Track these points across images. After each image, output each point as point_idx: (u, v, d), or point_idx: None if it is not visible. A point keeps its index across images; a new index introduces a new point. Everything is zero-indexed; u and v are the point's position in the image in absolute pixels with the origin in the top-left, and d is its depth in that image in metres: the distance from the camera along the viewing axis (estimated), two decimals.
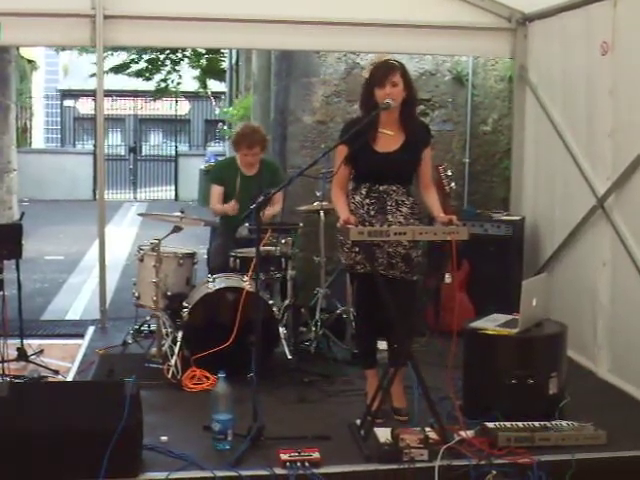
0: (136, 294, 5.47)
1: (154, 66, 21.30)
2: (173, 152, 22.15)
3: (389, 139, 4.33)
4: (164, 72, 21.56)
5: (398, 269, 4.32)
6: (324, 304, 5.86)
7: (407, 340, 4.15)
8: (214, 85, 24.69)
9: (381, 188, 4.33)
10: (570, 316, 5.19)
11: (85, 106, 29.27)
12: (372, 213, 4.33)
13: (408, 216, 4.34)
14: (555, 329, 4.51)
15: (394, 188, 4.34)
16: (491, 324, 4.47)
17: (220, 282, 5.16)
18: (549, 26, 6.16)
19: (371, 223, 4.27)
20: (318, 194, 5.92)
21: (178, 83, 21.56)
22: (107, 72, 21.10)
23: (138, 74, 21.75)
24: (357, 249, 4.27)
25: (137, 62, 21.34)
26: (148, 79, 21.88)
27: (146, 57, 21.10)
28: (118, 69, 21.51)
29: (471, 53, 7.06)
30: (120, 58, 21.22)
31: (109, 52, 20.02)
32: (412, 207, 4.38)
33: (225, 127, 19.70)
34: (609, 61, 5.15)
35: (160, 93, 22.28)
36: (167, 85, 21.54)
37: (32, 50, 22.05)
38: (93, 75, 20.84)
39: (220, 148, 24.47)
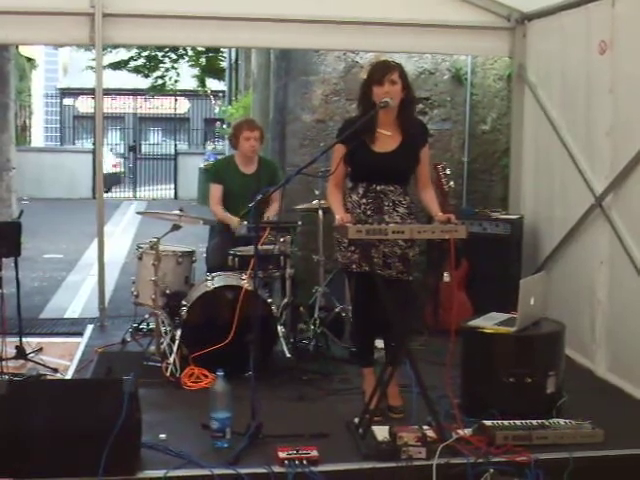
0: (135, 292, 5.49)
1: (153, 62, 21.32)
2: (172, 151, 22.16)
3: (387, 139, 4.33)
4: (162, 69, 21.56)
5: (395, 269, 4.32)
6: (322, 302, 5.86)
7: (404, 339, 4.15)
8: (213, 84, 24.71)
9: (378, 188, 4.33)
10: (568, 314, 5.21)
11: (84, 104, 29.34)
12: (369, 213, 4.32)
13: (405, 216, 4.34)
14: (553, 328, 4.52)
15: (391, 188, 4.34)
16: (489, 322, 4.48)
17: (219, 280, 5.17)
18: (548, 25, 6.16)
19: (367, 223, 4.24)
20: (317, 193, 5.92)
21: (176, 81, 21.55)
22: (105, 67, 21.21)
23: (136, 70, 21.75)
24: (353, 248, 4.27)
25: (136, 60, 21.35)
26: (147, 76, 21.89)
27: (145, 54, 21.11)
28: (116, 65, 21.53)
29: (470, 52, 7.06)
30: (119, 56, 21.24)
31: (108, 49, 20.07)
32: (409, 207, 4.37)
33: (224, 126, 19.71)
34: (608, 60, 5.15)
35: (156, 91, 22.24)
36: (164, 82, 21.53)
37: (31, 48, 22.03)
38: (89, 68, 20.93)
39: (220, 147, 24.48)
